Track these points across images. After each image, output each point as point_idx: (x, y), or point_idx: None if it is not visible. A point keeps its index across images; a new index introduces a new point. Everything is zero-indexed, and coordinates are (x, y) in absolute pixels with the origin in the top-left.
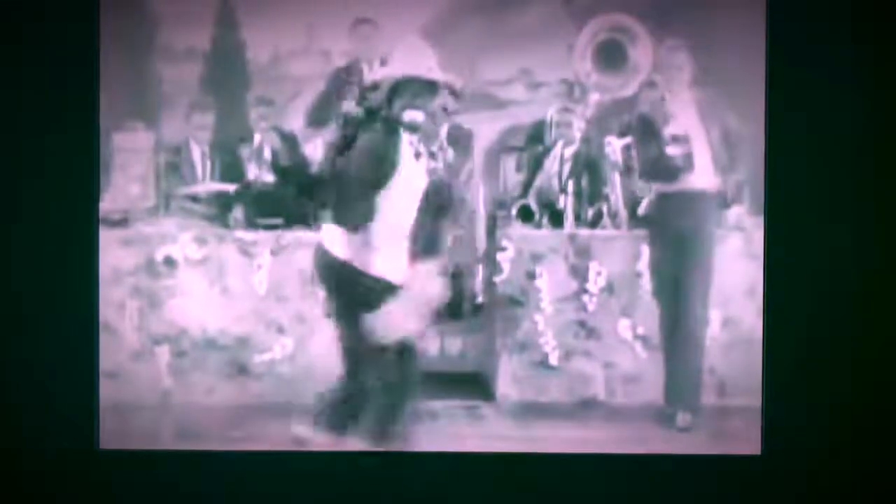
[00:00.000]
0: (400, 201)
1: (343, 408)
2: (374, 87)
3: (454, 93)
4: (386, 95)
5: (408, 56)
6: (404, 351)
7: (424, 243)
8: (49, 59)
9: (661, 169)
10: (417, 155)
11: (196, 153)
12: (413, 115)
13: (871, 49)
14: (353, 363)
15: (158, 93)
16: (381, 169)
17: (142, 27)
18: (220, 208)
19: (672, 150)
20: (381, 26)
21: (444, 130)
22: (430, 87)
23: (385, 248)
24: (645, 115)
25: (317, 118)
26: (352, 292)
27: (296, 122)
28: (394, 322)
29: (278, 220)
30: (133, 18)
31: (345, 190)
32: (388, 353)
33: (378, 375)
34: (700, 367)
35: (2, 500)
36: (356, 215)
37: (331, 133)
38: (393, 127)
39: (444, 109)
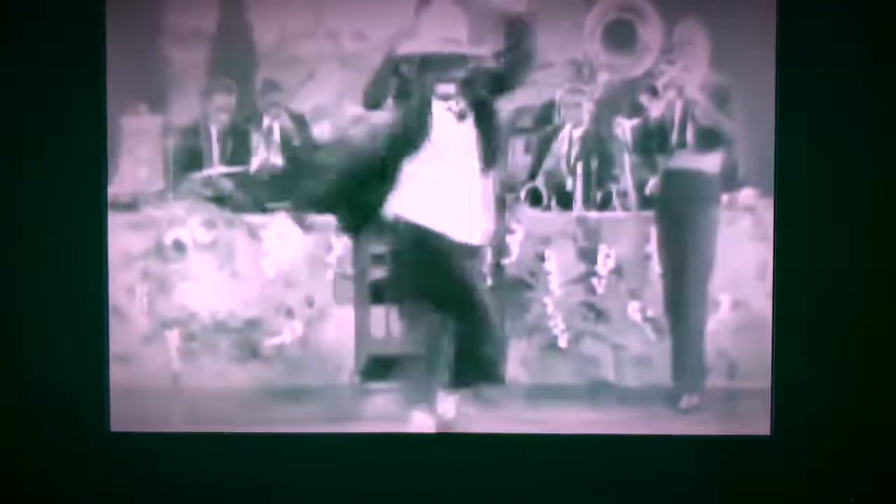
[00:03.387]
0: (446, 161)
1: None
2: (407, 59)
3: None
4: (417, 68)
5: (437, 28)
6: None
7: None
8: (55, 42)
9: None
10: (462, 116)
11: (214, 135)
12: (445, 89)
13: (885, 28)
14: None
15: (166, 75)
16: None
17: (148, 9)
18: (231, 191)
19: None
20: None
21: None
22: (461, 58)
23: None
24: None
25: (374, 97)
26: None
27: (305, 103)
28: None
29: (286, 204)
30: (139, 1)
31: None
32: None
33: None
34: (702, 348)
35: (14, 482)
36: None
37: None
38: (426, 97)
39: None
